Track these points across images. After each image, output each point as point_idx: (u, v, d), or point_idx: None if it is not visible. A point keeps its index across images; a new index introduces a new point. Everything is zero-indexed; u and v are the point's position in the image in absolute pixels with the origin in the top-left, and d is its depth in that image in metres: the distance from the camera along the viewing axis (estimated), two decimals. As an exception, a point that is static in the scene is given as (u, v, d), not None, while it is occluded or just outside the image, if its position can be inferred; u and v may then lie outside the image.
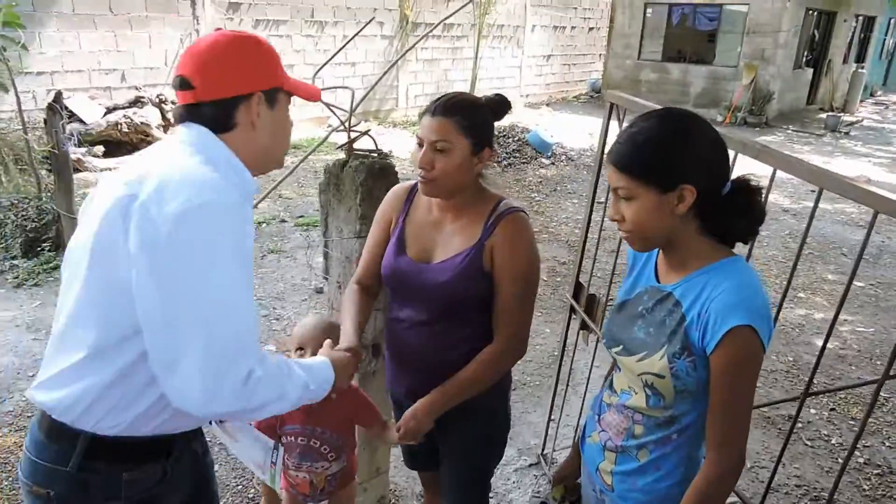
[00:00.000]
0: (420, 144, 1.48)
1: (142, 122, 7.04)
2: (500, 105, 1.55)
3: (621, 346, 1.28)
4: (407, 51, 3.18)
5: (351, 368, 1.39)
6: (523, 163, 7.82)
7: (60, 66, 6.99)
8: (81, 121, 6.78)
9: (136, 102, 7.28)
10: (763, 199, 1.21)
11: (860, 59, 16.31)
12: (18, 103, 4.72)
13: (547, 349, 3.76)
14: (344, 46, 2.41)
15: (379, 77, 2.89)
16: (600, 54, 15.37)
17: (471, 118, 1.46)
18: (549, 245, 5.46)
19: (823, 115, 13.06)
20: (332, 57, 2.37)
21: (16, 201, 4.62)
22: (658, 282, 1.28)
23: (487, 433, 1.69)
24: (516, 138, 8.22)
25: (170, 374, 1.02)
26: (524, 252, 1.50)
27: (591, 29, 15.26)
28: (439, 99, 1.48)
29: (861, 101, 15.34)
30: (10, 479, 2.50)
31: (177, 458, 1.22)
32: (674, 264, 1.24)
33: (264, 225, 5.50)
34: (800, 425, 3.21)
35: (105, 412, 1.09)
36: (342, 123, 1.91)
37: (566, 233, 5.78)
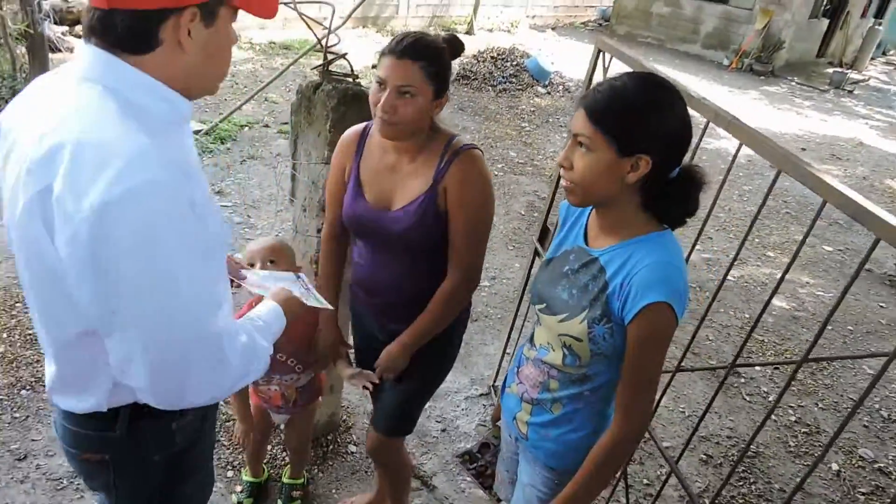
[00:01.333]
0: (381, 84, 1.43)
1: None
2: (457, 48, 1.52)
3: (545, 304, 1.32)
4: None
5: (296, 304, 1.36)
6: (519, 89, 7.65)
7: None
8: (64, -4, 6.46)
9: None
10: (699, 191, 1.21)
11: (880, 14, 15.83)
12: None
13: (513, 284, 3.83)
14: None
15: None
16: (615, -20, 14.73)
17: (436, 64, 1.43)
18: (531, 178, 5.45)
19: (830, 70, 12.80)
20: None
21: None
22: (586, 244, 1.30)
23: (436, 354, 1.75)
24: (514, 63, 7.99)
25: (126, 377, 0.96)
26: (476, 190, 1.52)
27: (608, -49, 14.56)
28: (402, 39, 1.43)
29: (872, 60, 15.02)
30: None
31: None
32: (605, 229, 1.26)
33: (246, 128, 5.40)
34: (742, 380, 3.36)
35: (129, 390, 1.01)
36: (319, 42, 1.85)
37: (550, 167, 5.75)
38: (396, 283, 1.64)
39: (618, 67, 2.13)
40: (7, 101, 4.15)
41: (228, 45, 1.01)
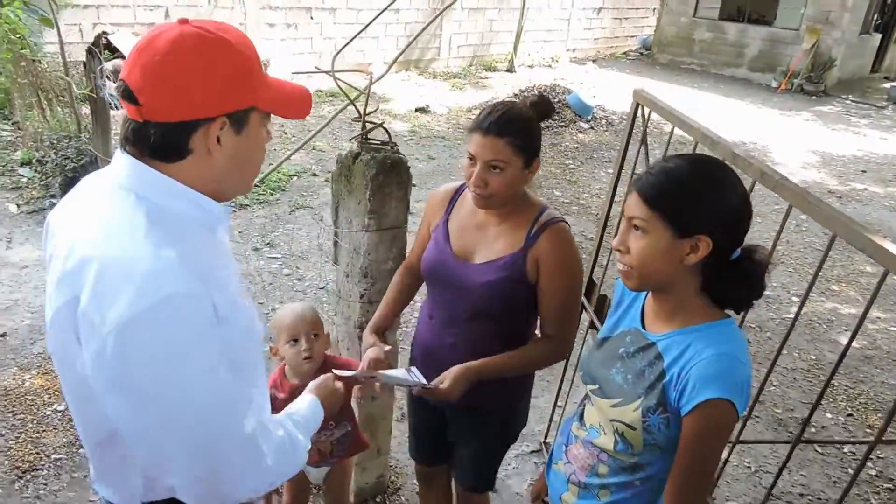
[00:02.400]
0: (472, 160, 1.49)
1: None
2: (545, 110, 1.55)
3: (598, 386, 1.27)
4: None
5: (338, 395, 1.36)
6: (561, 126, 7.62)
7: (106, 1, 7.00)
8: (125, 57, 6.82)
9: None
10: (764, 273, 1.15)
11: (936, 26, 15.22)
12: (61, 44, 4.75)
13: (563, 329, 3.74)
14: (370, 23, 2.33)
15: (425, 25, 2.80)
16: (654, 9, 14.65)
17: (523, 136, 1.47)
18: (577, 218, 5.37)
19: (887, 86, 12.32)
20: (362, 31, 2.30)
21: (56, 140, 4.72)
22: (643, 327, 1.25)
23: (501, 431, 1.79)
24: (556, 99, 7.97)
25: (164, 476, 1.00)
26: (569, 264, 1.55)
27: (647, -19, 14.52)
28: (490, 113, 1.47)
29: (931, 73, 14.42)
30: (35, 421, 2.64)
31: None
32: (663, 314, 1.21)
33: (295, 178, 5.52)
34: (812, 430, 3.16)
35: (165, 486, 1.02)
36: (358, 112, 1.87)
37: (597, 206, 5.66)
38: (458, 346, 1.63)
39: (658, 117, 2.08)
40: (72, 160, 4.38)
41: (259, 148, 1.02)
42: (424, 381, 1.55)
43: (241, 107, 0.94)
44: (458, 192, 1.68)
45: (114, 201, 0.94)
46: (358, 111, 1.87)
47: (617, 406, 1.20)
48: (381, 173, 1.78)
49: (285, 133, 6.56)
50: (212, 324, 0.90)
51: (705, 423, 1.08)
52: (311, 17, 8.74)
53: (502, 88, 9.31)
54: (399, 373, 1.61)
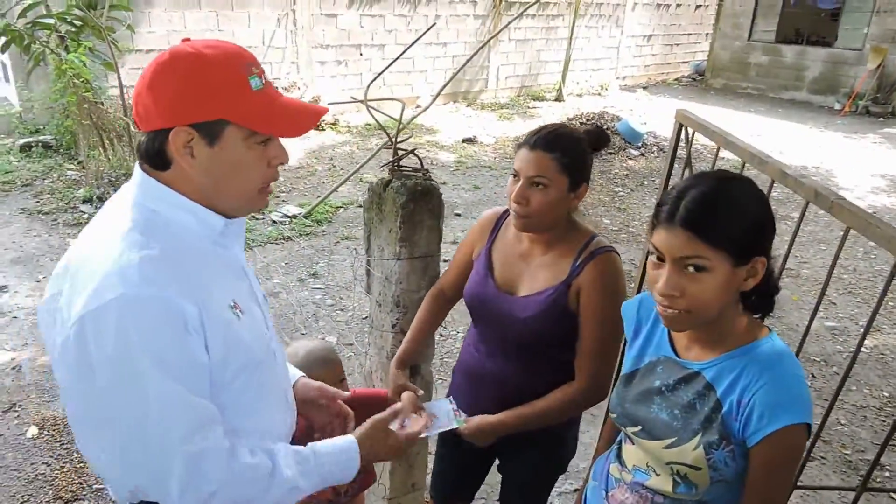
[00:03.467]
0: (515, 176, 1.45)
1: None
2: (599, 139, 1.51)
3: (640, 427, 1.16)
4: (499, 31, 3.12)
5: (393, 448, 1.24)
6: (610, 153, 7.50)
7: (167, 44, 7.35)
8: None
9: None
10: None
11: None
12: (120, 86, 5.00)
13: (611, 362, 3.60)
14: (399, 57, 2.34)
15: (469, 58, 2.81)
16: (706, 34, 14.42)
17: (571, 155, 1.42)
18: (626, 246, 5.22)
19: (961, 106, 11.67)
20: (391, 64, 2.31)
21: (115, 178, 4.93)
22: (676, 354, 1.15)
23: (550, 461, 1.71)
24: (605, 127, 7.87)
25: (104, 472, 1.03)
26: (611, 295, 1.45)
27: (697, 7, 14.31)
28: (539, 131, 1.45)
29: None
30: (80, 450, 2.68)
31: None
32: (702, 339, 1.11)
33: (342, 209, 5.59)
34: (885, 474, 2.91)
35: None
36: (389, 139, 1.85)
37: (648, 234, 5.50)
38: (507, 377, 1.58)
39: (702, 139, 1.99)
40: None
41: (243, 165, 1.00)
42: (457, 410, 1.56)
43: (207, 118, 0.95)
44: (502, 218, 1.65)
45: (118, 206, 1.02)
46: (389, 138, 1.85)
47: (672, 447, 1.10)
48: (411, 201, 1.75)
49: (334, 166, 6.69)
50: (173, 331, 0.91)
51: (781, 451, 1.02)
52: (361, 54, 8.96)
53: (550, 118, 9.27)
54: (442, 406, 1.61)
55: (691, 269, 1.00)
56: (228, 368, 1.01)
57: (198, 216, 1.02)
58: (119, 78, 4.99)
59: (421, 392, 1.63)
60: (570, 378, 1.51)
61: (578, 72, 11.85)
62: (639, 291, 2.31)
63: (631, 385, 1.22)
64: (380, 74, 2.08)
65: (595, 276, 1.44)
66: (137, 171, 1.02)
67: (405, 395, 1.62)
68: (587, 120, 8.07)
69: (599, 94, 11.76)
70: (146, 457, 0.92)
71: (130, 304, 0.89)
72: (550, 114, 9.75)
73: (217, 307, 0.99)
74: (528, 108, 10.32)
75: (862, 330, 4.20)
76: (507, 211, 1.59)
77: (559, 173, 1.41)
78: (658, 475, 1.16)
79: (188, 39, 0.99)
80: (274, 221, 5.11)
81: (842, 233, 1.41)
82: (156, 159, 0.99)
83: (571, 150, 1.42)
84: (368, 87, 1.97)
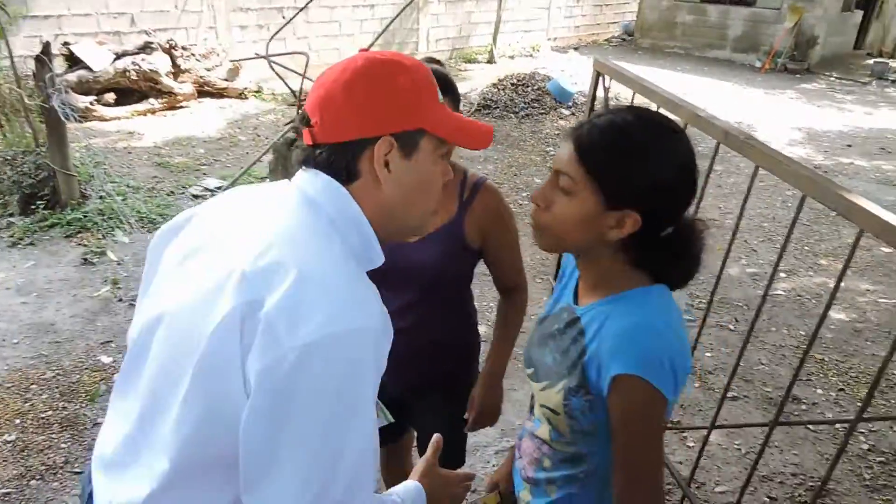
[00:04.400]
0: None
1: (151, 70, 6.89)
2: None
3: (532, 370, 1.14)
4: None
5: (441, 487, 1.17)
6: (542, 114, 7.50)
7: (67, 10, 6.84)
8: (89, 68, 6.67)
9: (146, 48, 7.12)
10: (701, 250, 1.05)
11: (917, -2, 15.16)
12: (11, 55, 4.60)
13: (544, 318, 3.63)
14: (303, 9, 2.21)
15: (392, 19, 2.72)
16: (634, -6, 14.57)
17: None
18: (558, 204, 5.26)
19: (871, 62, 12.25)
20: (294, 16, 2.18)
21: (11, 156, 4.55)
22: (576, 301, 1.12)
23: (454, 403, 1.72)
24: (536, 87, 7.86)
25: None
26: (511, 216, 1.60)
27: (625, -34, 14.42)
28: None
29: (914, 46, 14.35)
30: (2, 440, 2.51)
31: None
32: (588, 284, 1.08)
33: (267, 180, 5.39)
34: (802, 407, 3.06)
35: None
36: (293, 94, 1.74)
37: (579, 190, 5.55)
38: (418, 329, 1.55)
39: (620, 88, 1.97)
40: (30, 176, 4.20)
41: (432, 180, 0.95)
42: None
43: (407, 127, 0.89)
44: None
45: (306, 215, 0.89)
46: (294, 94, 1.75)
47: (545, 390, 1.08)
48: (318, 156, 1.66)
49: (258, 136, 6.43)
50: (381, 365, 0.85)
51: (621, 403, 0.96)
52: (283, 17, 8.60)
53: (482, 80, 9.18)
54: None
55: (562, 188, 0.99)
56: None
57: (368, 246, 0.93)
58: (8, 45, 4.59)
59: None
60: (473, 317, 1.66)
61: (510, 33, 11.76)
62: (559, 258, 2.30)
63: (539, 327, 1.19)
64: (280, 29, 1.96)
65: (492, 206, 1.53)
66: (323, 177, 0.90)
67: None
68: (518, 81, 8.03)
69: (531, 56, 11.73)
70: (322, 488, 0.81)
71: (369, 337, 0.82)
72: (483, 76, 9.66)
73: None
74: (461, 70, 10.20)
75: (780, 274, 4.40)
76: None
77: None
78: (543, 423, 1.14)
79: (365, 49, 0.94)
80: (194, 196, 4.87)
81: (762, 183, 1.41)
82: (337, 173, 0.89)
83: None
84: (270, 41, 1.84)
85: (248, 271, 0.81)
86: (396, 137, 0.88)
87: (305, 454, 0.79)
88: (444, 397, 1.70)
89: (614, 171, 0.95)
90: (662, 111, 1.68)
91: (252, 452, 0.80)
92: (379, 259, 0.95)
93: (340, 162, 0.89)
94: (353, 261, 0.88)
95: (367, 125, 0.87)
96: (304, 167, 0.92)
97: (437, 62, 1.51)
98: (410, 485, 1.10)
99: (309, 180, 0.90)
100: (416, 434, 1.86)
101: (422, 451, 1.83)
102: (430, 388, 1.64)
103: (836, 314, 3.88)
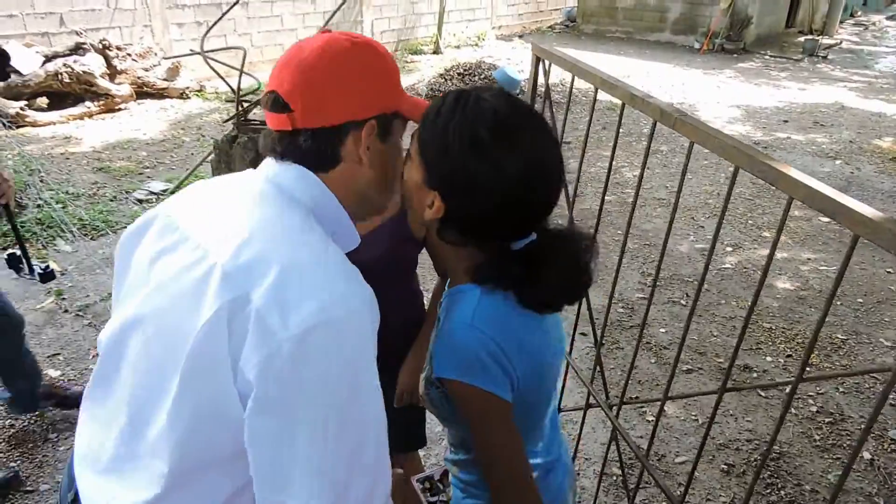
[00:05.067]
0: None
1: (84, 72, 6.62)
2: None
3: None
4: None
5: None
6: (490, 102, 7.53)
7: (-11, 13, 6.51)
8: (18, 71, 6.37)
9: (78, 49, 6.83)
10: (580, 267, 0.97)
11: (842, -23, 15.78)
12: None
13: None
14: (236, 3, 2.15)
15: (333, 12, 2.70)
16: (575, -20, 14.72)
17: None
18: (511, 191, 5.29)
19: (802, 39, 12.71)
20: (228, 10, 2.12)
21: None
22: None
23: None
24: (482, 76, 7.87)
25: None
26: None
27: (564, -47, 14.55)
28: None
29: (841, 23, 14.94)
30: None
31: None
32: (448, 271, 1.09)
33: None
34: (754, 375, 3.17)
35: None
36: (232, 90, 1.70)
37: (530, 176, 5.60)
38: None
39: (560, 73, 1.98)
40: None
41: (399, 160, 0.98)
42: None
43: (387, 110, 0.91)
44: None
45: (280, 205, 0.88)
46: (233, 90, 1.70)
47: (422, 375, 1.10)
48: (260, 157, 1.62)
49: (203, 136, 6.27)
50: (374, 346, 0.85)
51: (457, 403, 0.95)
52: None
53: (429, 70, 9.16)
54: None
55: (408, 151, 0.99)
56: None
57: (345, 231, 0.94)
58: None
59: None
60: (419, 297, 1.66)
61: (454, 23, 11.75)
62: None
63: None
64: (214, 24, 1.91)
65: None
66: (293, 166, 0.89)
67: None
68: (464, 70, 8.04)
69: (477, 45, 11.75)
70: (358, 467, 0.82)
71: (364, 318, 0.83)
72: (429, 66, 9.64)
73: None
74: (407, 62, 10.14)
75: (727, 248, 4.55)
76: None
77: None
78: None
79: (329, 30, 0.92)
80: (139, 200, 4.72)
81: (705, 161, 1.45)
82: (322, 159, 0.89)
83: None
84: (204, 37, 1.79)
85: (230, 268, 0.80)
86: (378, 120, 0.89)
87: (324, 443, 0.78)
88: (394, 378, 1.69)
89: (432, 147, 0.91)
90: (601, 92, 1.71)
91: (265, 448, 0.79)
92: (355, 241, 0.96)
93: (325, 147, 0.88)
94: (332, 246, 0.87)
95: (356, 108, 0.87)
96: (276, 156, 0.90)
97: None
98: None
99: (281, 172, 0.89)
100: None
101: None
102: (380, 368, 1.61)
103: (781, 283, 4.04)
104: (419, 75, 8.91)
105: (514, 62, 9.15)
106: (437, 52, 10.85)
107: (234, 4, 2.02)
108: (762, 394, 3.04)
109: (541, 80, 2.03)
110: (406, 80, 8.60)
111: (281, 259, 0.81)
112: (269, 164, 0.91)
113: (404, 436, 1.85)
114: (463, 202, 0.90)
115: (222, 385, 0.80)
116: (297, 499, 0.78)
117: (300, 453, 0.78)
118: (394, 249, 1.50)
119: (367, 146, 0.90)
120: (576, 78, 1.82)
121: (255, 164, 1.61)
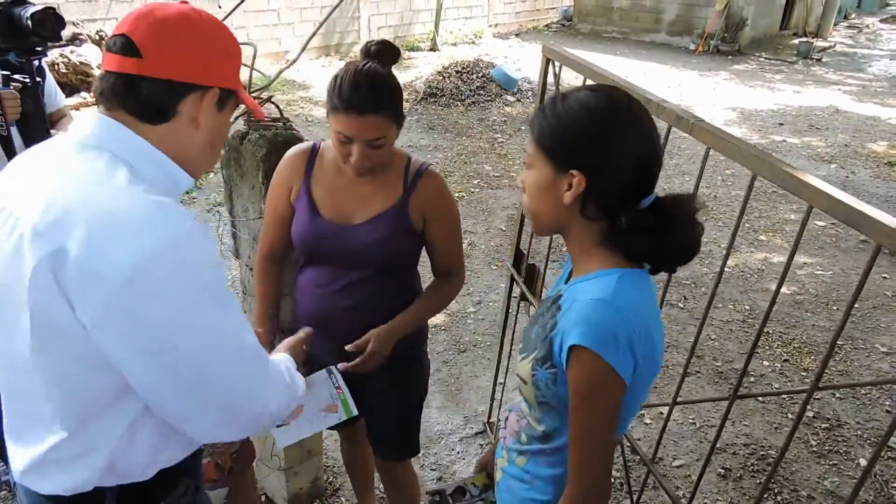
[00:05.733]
0: (342, 141, 1.40)
1: (81, 62, 6.56)
2: (393, 53, 1.44)
3: (522, 345, 1.18)
4: None
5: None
6: (487, 100, 7.52)
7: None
8: (11, 63, 6.29)
9: (74, 40, 6.76)
10: (696, 226, 1.00)
11: (837, -19, 15.86)
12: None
13: (501, 305, 3.65)
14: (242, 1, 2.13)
15: (333, 8, 2.68)
16: (572, -21, 14.72)
17: (397, 103, 1.40)
18: (509, 192, 5.29)
19: (796, 41, 12.78)
20: (235, 9, 2.10)
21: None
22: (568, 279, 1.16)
23: (414, 382, 1.78)
24: (480, 74, 7.87)
25: (184, 426, 0.96)
26: (453, 203, 1.62)
27: (562, -49, 14.54)
28: (356, 90, 1.34)
29: (835, 26, 15.02)
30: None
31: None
32: (575, 264, 1.11)
33: (212, 174, 5.22)
34: (751, 380, 3.19)
35: (125, 469, 0.99)
36: (243, 87, 1.68)
37: (528, 176, 5.60)
38: (359, 308, 1.57)
39: (569, 75, 1.98)
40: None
41: (225, 134, 1.05)
42: (343, 387, 1.50)
43: (231, 86, 1.00)
44: (313, 154, 1.56)
45: (85, 159, 0.91)
46: (242, 87, 1.68)
47: (521, 361, 1.12)
48: (272, 153, 1.61)
49: (200, 129, 6.21)
50: (216, 259, 0.91)
51: (575, 374, 0.99)
52: (220, 7, 8.32)
53: (426, 68, 9.14)
54: (321, 377, 1.52)
55: (525, 164, 1.07)
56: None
57: (170, 175, 0.97)
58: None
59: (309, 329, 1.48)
60: (411, 298, 1.63)
61: (451, 20, 11.72)
62: (520, 230, 2.32)
63: (538, 308, 1.22)
64: (224, 19, 1.88)
65: (435, 191, 1.55)
66: (102, 119, 0.93)
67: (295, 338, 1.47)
68: (462, 68, 8.03)
69: (474, 43, 11.73)
70: (238, 372, 0.94)
71: (184, 240, 0.86)
72: (426, 64, 9.61)
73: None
74: (403, 59, 10.08)
75: (724, 251, 4.56)
76: (314, 146, 1.57)
77: (392, 125, 1.41)
78: (521, 396, 1.19)
79: (186, 1, 0.99)
80: (136, 193, 4.68)
81: (703, 163, 1.44)
82: (157, 111, 0.93)
83: (394, 98, 1.40)
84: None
85: (40, 227, 0.84)
86: (220, 91, 0.97)
87: (194, 366, 0.88)
88: (392, 379, 1.69)
89: (552, 134, 1.01)
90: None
91: (144, 386, 0.89)
92: (186, 180, 1.00)
93: (165, 99, 0.93)
94: (141, 185, 0.90)
95: (204, 73, 0.94)
96: (106, 102, 0.93)
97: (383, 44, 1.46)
98: (282, 355, 1.24)
99: (82, 127, 0.94)
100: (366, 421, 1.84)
101: (372, 439, 1.83)
102: (379, 369, 1.59)
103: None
104: (416, 72, 8.89)
105: (512, 60, 9.14)
106: (434, 49, 10.81)
107: (240, 4, 2.00)
108: (759, 398, 3.05)
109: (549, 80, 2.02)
110: (403, 77, 8.57)
111: (89, 206, 0.85)
112: (88, 122, 0.95)
113: (402, 444, 1.84)
114: (604, 168, 0.98)
115: (73, 338, 0.85)
116: (201, 414, 0.94)
117: (177, 373, 0.88)
118: (392, 239, 1.52)
119: (204, 111, 0.96)
120: (573, 76, 1.82)
121: (265, 160, 1.60)
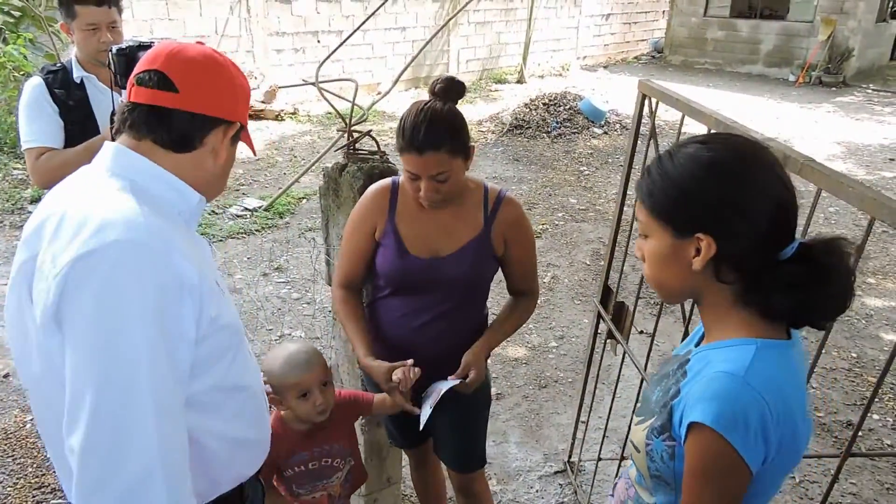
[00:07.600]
0: (411, 178, 1.48)
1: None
2: (458, 89, 1.49)
3: (640, 404, 1.10)
4: (458, 12, 3.04)
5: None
6: (574, 133, 7.48)
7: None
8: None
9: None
10: (851, 273, 0.91)
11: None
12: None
13: (583, 343, 3.57)
14: (350, 36, 2.24)
15: (427, 41, 2.77)
16: (663, 11, 14.49)
17: (457, 138, 1.45)
18: (594, 224, 5.21)
19: (910, 73, 11.99)
20: (341, 44, 2.21)
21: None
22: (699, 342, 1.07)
23: (479, 394, 1.74)
24: (567, 106, 7.85)
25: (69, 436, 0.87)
26: (530, 226, 1.69)
27: (654, -16, 14.38)
28: (415, 130, 1.41)
29: (955, 56, 13.99)
30: (35, 465, 2.55)
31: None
32: (706, 329, 1.02)
33: (304, 200, 5.45)
34: (860, 434, 2.94)
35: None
36: (344, 121, 1.76)
37: (614, 211, 5.48)
38: (444, 335, 1.64)
39: (665, 115, 1.94)
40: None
41: (232, 163, 1.13)
42: (451, 383, 1.55)
43: (244, 122, 1.10)
44: (395, 190, 1.61)
45: (92, 180, 0.98)
46: (344, 121, 1.76)
47: (637, 424, 1.05)
48: (369, 183, 1.66)
49: (295, 156, 6.53)
50: (164, 284, 0.88)
51: (692, 452, 0.89)
52: (319, 41, 8.77)
53: (513, 100, 9.21)
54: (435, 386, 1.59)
55: (641, 234, 1.01)
56: (216, 346, 1.00)
57: (182, 193, 1.03)
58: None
59: (411, 361, 1.54)
60: (484, 320, 1.72)
61: (539, 53, 11.80)
62: (608, 266, 2.27)
63: (662, 366, 1.14)
64: (330, 55, 1.99)
65: (515, 217, 1.62)
66: (111, 147, 1.00)
67: (399, 370, 1.53)
68: (549, 100, 8.03)
69: (561, 75, 11.74)
70: (117, 412, 0.84)
71: (134, 249, 0.86)
72: (513, 95, 9.69)
73: (209, 278, 0.98)
74: (491, 90, 10.25)
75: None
76: (395, 182, 1.62)
77: (455, 159, 1.46)
78: (632, 463, 1.11)
79: (202, 43, 1.07)
80: (235, 216, 4.95)
81: (801, 201, 1.37)
82: (185, 141, 1.01)
83: (455, 134, 1.44)
84: (319, 68, 1.87)
85: (27, 236, 0.94)
86: (239, 126, 1.07)
87: (92, 369, 0.84)
88: (458, 399, 1.67)
89: (666, 198, 0.93)
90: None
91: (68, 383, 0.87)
92: (195, 201, 1.06)
93: (194, 131, 1.01)
94: (137, 198, 0.94)
95: (228, 109, 1.04)
96: (133, 132, 0.99)
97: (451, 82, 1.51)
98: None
99: (111, 156, 0.99)
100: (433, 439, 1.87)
101: (440, 454, 1.85)
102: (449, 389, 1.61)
103: (886, 335, 3.76)
104: (503, 104, 8.98)
105: (599, 93, 9.06)
106: (520, 81, 10.90)
107: (350, 35, 2.11)
108: (876, 460, 2.81)
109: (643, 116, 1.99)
110: (490, 109, 8.68)
111: (60, 211, 0.91)
112: (101, 152, 1.00)
113: (470, 454, 1.83)
114: (736, 226, 0.89)
115: (28, 329, 0.92)
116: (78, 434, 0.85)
117: (74, 380, 0.85)
118: (477, 265, 1.59)
119: (224, 144, 1.05)
120: (663, 109, 1.78)
121: (361, 191, 1.66)
